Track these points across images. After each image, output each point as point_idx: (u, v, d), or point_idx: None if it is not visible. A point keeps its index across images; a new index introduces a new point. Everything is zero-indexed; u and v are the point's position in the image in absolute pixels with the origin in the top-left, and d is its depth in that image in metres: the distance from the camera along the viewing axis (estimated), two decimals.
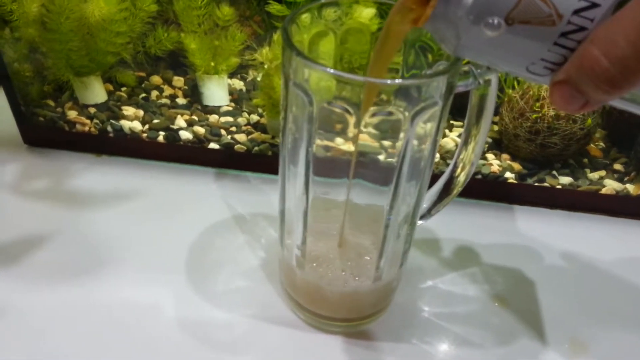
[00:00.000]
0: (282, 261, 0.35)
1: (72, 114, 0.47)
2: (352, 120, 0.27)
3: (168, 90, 0.51)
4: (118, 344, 0.34)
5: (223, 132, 0.47)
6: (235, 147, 0.46)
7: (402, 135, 0.27)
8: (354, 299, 0.34)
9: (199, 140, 0.46)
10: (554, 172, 0.46)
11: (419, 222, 0.34)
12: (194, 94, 0.50)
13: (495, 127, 0.49)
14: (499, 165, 0.46)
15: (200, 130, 0.46)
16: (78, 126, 0.47)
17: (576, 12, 0.20)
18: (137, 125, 0.46)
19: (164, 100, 0.49)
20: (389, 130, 0.28)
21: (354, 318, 0.36)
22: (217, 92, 0.48)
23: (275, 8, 0.44)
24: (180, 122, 0.47)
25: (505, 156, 0.47)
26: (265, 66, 0.43)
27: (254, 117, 0.48)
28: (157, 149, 0.47)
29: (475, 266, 0.42)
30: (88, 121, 0.47)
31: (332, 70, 0.24)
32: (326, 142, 0.29)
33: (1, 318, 0.35)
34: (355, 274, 0.34)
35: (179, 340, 0.35)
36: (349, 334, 0.36)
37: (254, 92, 0.51)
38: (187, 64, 0.48)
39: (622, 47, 0.18)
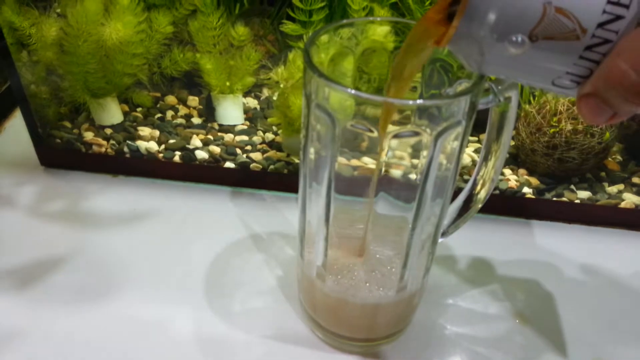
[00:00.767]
0: (301, 276, 0.35)
1: (89, 135, 0.47)
2: (374, 138, 0.27)
3: (183, 110, 0.51)
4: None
5: (238, 151, 0.47)
6: (251, 165, 0.46)
7: (425, 153, 0.27)
8: (376, 313, 0.33)
9: (215, 160, 0.46)
10: (572, 187, 0.46)
11: (439, 240, 0.34)
12: (209, 113, 0.50)
13: (512, 142, 0.49)
14: (517, 181, 0.46)
15: (216, 149, 0.47)
16: (95, 147, 0.47)
17: (600, 25, 0.20)
18: (153, 146, 0.47)
19: (179, 120, 0.50)
20: (412, 149, 0.28)
21: (374, 338, 0.36)
22: (232, 111, 0.49)
23: (289, 27, 0.45)
24: (196, 141, 0.47)
25: (522, 171, 0.47)
26: (281, 85, 0.43)
27: (269, 136, 0.48)
28: (174, 169, 0.47)
29: (495, 283, 0.42)
30: (104, 142, 0.47)
31: (352, 91, 0.24)
32: (348, 162, 0.29)
33: (18, 341, 0.35)
34: (379, 285, 0.33)
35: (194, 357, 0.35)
36: (369, 354, 0.36)
37: (268, 110, 0.51)
38: (202, 84, 0.48)
39: None
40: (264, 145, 0.48)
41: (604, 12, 0.19)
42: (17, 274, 0.40)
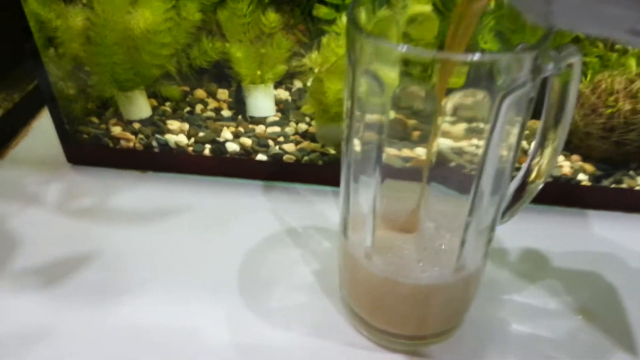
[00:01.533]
0: (344, 259, 0.32)
1: (117, 130, 0.46)
2: (426, 127, 0.24)
3: (213, 104, 0.49)
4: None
5: (271, 142, 0.45)
6: (284, 157, 0.44)
7: (485, 128, 0.24)
8: (428, 299, 0.30)
9: (246, 152, 0.44)
10: (631, 173, 0.42)
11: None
12: (239, 105, 0.48)
13: None
14: (570, 167, 0.43)
15: (247, 141, 0.45)
16: (122, 142, 0.45)
17: None
18: (182, 139, 0.45)
19: (209, 114, 0.48)
20: (468, 128, 0.25)
21: (424, 335, 0.33)
22: (263, 102, 0.47)
23: (322, 11, 0.42)
24: (226, 134, 0.45)
25: (575, 157, 0.44)
26: (316, 70, 0.41)
27: (302, 126, 0.46)
28: (204, 162, 0.45)
29: (552, 277, 0.38)
30: (133, 137, 0.45)
31: (403, 47, 0.22)
32: (398, 152, 0.27)
33: (42, 340, 0.33)
34: (433, 263, 0.29)
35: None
36: (418, 354, 0.33)
37: (300, 101, 0.49)
38: (232, 75, 0.46)
39: None
40: (297, 136, 0.45)
41: None
42: (44, 272, 0.38)
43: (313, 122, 0.46)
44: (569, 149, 0.44)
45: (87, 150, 0.47)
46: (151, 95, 0.49)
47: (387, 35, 0.30)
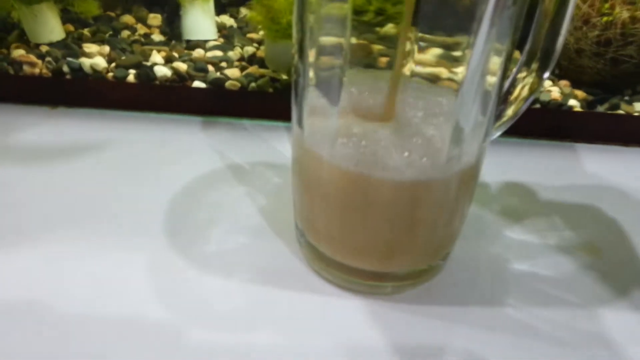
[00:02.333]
0: (300, 162, 0.24)
1: (18, 53, 0.37)
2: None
3: (142, 30, 0.41)
4: (80, 326, 0.24)
5: (210, 67, 0.37)
6: (226, 84, 0.36)
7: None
8: (414, 205, 0.22)
9: (180, 78, 0.37)
10: (627, 99, 0.37)
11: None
12: (173, 28, 0.41)
13: None
14: (560, 93, 0.37)
15: (182, 66, 0.37)
16: (26, 68, 0.37)
17: None
18: (100, 62, 0.37)
19: (136, 38, 0.40)
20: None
21: (397, 273, 0.26)
22: (202, 22, 0.39)
23: None
24: (156, 58, 0.37)
25: (564, 82, 0.38)
26: None
27: (250, 49, 0.39)
28: (127, 92, 0.37)
29: (548, 211, 0.32)
30: (39, 61, 0.37)
31: None
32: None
33: None
34: (420, 152, 0.21)
35: (159, 316, 0.24)
36: (394, 298, 0.26)
37: (248, 29, 0.41)
38: None
39: None
40: (243, 62, 0.38)
41: None
42: None
43: (263, 36, 0.38)
44: (557, 74, 0.39)
45: None
46: (67, 20, 0.40)
47: None
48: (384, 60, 0.22)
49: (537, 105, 0.36)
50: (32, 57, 0.37)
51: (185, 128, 0.37)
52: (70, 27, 0.40)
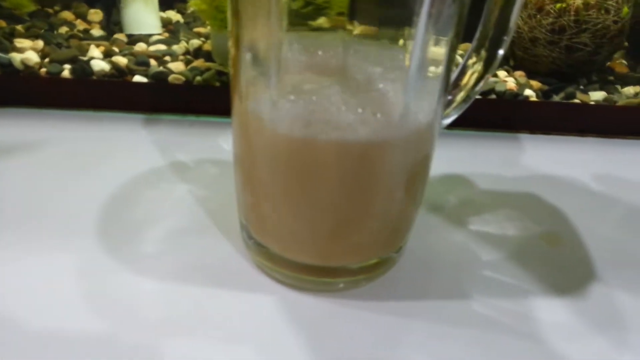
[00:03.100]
0: (240, 128, 0.21)
1: None
2: None
3: (82, 26, 0.39)
4: (1, 334, 0.21)
5: (153, 62, 0.35)
6: (169, 78, 0.34)
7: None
8: (369, 166, 0.20)
9: (120, 73, 0.34)
10: (582, 88, 0.37)
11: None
12: (115, 26, 0.38)
13: None
14: (515, 83, 0.36)
15: (122, 60, 0.35)
16: None
17: None
18: (32, 57, 0.34)
19: (74, 34, 0.37)
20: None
21: (348, 267, 0.24)
22: (144, 16, 0.37)
23: None
24: (94, 52, 0.35)
25: (519, 73, 0.37)
26: None
27: (196, 42, 0.37)
28: (63, 88, 0.34)
29: (506, 202, 0.31)
30: None
31: None
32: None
33: None
34: (373, 108, 0.19)
35: (88, 323, 0.22)
36: (347, 295, 0.24)
37: (195, 23, 0.40)
38: None
39: None
40: (188, 56, 0.36)
41: None
42: None
43: (208, 26, 0.36)
44: (512, 64, 0.38)
45: None
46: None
47: None
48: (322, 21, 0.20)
49: (493, 96, 0.35)
50: None
51: (126, 126, 0.35)
52: (3, 23, 0.38)
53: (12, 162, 0.31)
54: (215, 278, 0.25)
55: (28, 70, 0.34)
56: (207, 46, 0.36)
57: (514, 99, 0.35)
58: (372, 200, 0.21)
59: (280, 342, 0.22)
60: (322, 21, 0.19)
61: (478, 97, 0.24)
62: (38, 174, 0.31)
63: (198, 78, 0.34)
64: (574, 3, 0.33)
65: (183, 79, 0.34)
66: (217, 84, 0.34)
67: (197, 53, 0.36)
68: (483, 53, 0.23)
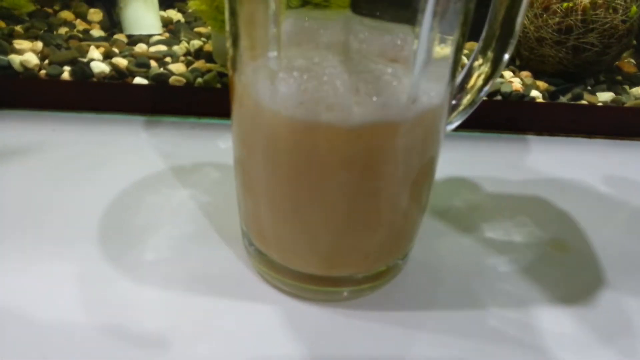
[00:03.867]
0: (239, 114, 0.21)
1: None
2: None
3: (82, 26, 0.38)
4: (7, 338, 0.21)
5: (153, 63, 0.35)
6: (170, 79, 0.34)
7: None
8: (374, 153, 0.19)
9: (120, 74, 0.34)
10: (589, 89, 0.36)
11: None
12: (112, 23, 0.38)
13: None
14: (521, 84, 0.36)
15: (122, 61, 0.34)
16: None
17: None
18: (31, 59, 0.34)
19: (74, 34, 0.37)
20: None
21: (350, 276, 0.24)
22: (144, 16, 0.36)
23: None
24: (94, 54, 0.35)
25: (525, 73, 0.37)
26: None
27: (197, 43, 0.36)
28: (63, 90, 0.34)
29: (512, 207, 0.31)
30: None
31: None
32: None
33: None
34: (377, 91, 0.18)
35: (88, 332, 0.22)
36: (351, 305, 0.24)
37: (196, 23, 0.39)
38: None
39: None
40: (189, 57, 0.36)
41: None
42: None
43: (208, 26, 0.36)
44: (518, 64, 0.37)
45: None
46: None
47: None
48: None
49: (499, 97, 0.34)
50: None
51: (126, 128, 0.35)
52: (2, 24, 0.37)
53: (11, 166, 0.31)
54: (217, 286, 0.24)
55: (27, 72, 0.33)
56: (208, 47, 0.36)
57: (520, 100, 0.35)
58: (376, 203, 0.21)
59: (282, 353, 0.21)
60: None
61: (483, 98, 0.24)
62: (37, 178, 0.31)
63: (199, 80, 0.34)
64: (581, 2, 0.32)
65: (184, 80, 0.34)
66: (218, 85, 0.34)
67: (198, 54, 0.36)
68: (489, 54, 0.23)
